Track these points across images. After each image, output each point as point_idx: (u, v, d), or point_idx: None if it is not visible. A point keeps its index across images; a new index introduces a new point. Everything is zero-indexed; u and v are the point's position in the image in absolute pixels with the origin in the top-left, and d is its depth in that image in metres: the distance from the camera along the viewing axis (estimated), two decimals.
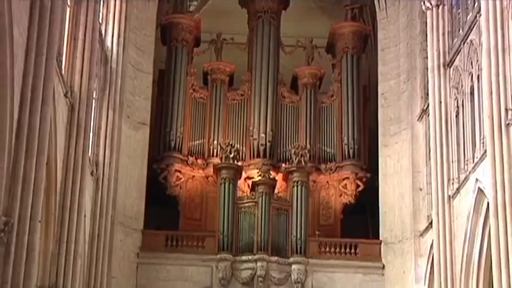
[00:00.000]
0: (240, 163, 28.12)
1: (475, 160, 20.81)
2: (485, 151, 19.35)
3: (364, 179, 28.70)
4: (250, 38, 30.54)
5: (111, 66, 24.94)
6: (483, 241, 20.37)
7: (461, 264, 21.33)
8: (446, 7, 24.10)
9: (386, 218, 27.34)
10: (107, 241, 23.79)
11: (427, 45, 24.86)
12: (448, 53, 23.56)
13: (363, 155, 28.95)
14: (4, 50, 13.66)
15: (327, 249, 27.50)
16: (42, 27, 15.41)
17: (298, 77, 30.18)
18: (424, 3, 24.79)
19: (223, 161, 27.86)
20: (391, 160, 27.75)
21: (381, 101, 28.58)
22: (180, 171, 28.43)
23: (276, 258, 26.76)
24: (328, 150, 29.25)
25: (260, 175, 27.63)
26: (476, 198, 20.48)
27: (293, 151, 28.21)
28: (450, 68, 23.36)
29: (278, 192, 27.97)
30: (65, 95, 18.88)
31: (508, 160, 18.20)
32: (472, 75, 21.76)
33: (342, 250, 27.48)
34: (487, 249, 19.88)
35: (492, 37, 19.12)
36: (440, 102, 23.42)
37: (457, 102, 22.82)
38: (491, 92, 18.94)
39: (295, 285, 26.82)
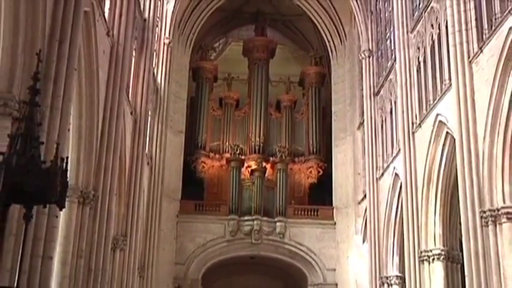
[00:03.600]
0: (243, 157, 28.07)
1: (393, 155, 21.05)
2: (400, 149, 19.62)
3: (323, 167, 28.61)
4: (249, 76, 30.44)
5: (160, 95, 24.99)
6: (398, 207, 20.60)
7: (384, 221, 21.59)
8: (374, 57, 24.37)
9: (337, 192, 27.39)
10: (158, 207, 23.82)
11: (362, 82, 25.01)
12: (376, 86, 23.74)
13: (322, 151, 28.88)
14: (93, 85, 13.92)
15: (299, 212, 27.43)
16: (117, 70, 15.58)
17: (281, 101, 30.11)
18: (360, 55, 25.10)
19: (232, 156, 27.90)
20: (340, 155, 27.81)
21: (333, 117, 28.63)
22: (204, 162, 28.35)
23: (266, 218, 26.76)
24: (300, 148, 29.17)
25: (256, 165, 27.70)
26: (393, 179, 20.71)
27: (277, 149, 28.29)
28: (377, 96, 23.54)
29: (268, 176, 27.90)
30: (131, 113, 18.96)
31: (413, 155, 18.55)
32: (391, 101, 21.96)
33: (309, 213, 27.43)
34: (400, 211, 20.12)
35: (403, 77, 19.47)
36: (371, 118, 23.62)
37: (382, 118, 22.99)
38: (403, 112, 19.29)
39: (279, 236, 26.85)
